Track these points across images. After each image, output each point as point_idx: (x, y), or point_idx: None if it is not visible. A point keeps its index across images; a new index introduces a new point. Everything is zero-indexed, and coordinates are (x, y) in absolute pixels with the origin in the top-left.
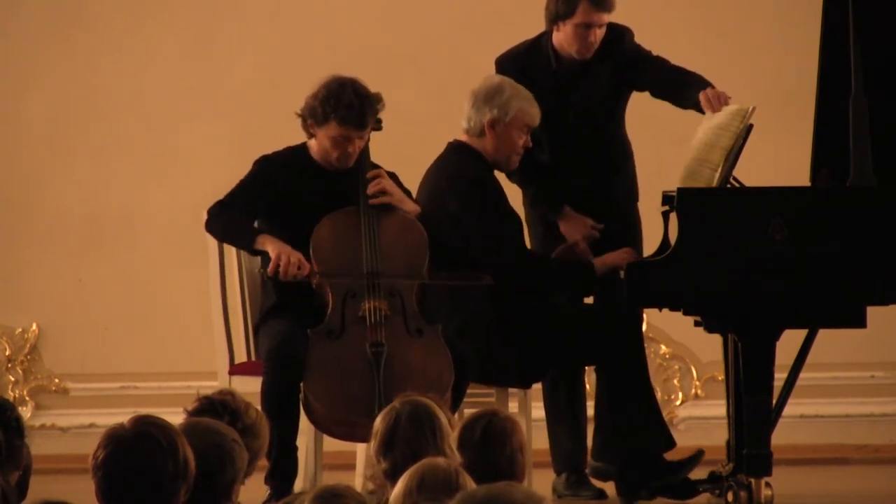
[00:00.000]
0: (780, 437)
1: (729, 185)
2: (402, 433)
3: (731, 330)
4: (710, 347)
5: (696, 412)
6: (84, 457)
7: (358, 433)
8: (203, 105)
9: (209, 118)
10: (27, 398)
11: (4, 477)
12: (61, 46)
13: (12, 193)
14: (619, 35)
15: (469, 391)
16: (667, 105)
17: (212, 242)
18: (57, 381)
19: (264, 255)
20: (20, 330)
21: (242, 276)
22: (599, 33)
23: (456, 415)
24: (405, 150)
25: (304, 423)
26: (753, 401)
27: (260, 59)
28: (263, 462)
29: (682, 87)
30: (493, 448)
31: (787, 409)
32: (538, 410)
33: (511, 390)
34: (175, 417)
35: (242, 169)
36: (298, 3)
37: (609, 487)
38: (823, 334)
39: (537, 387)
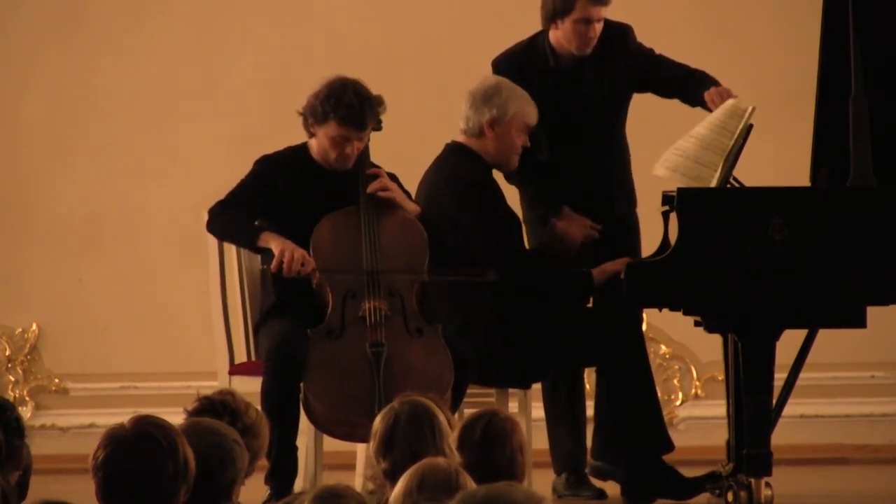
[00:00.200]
0: (780, 437)
1: (729, 185)
2: (401, 433)
3: (731, 330)
4: (710, 347)
5: (696, 412)
6: (84, 457)
7: (358, 433)
8: (203, 105)
9: (209, 118)
10: (27, 398)
11: (4, 477)
12: (61, 46)
13: (12, 193)
14: (621, 34)
15: (469, 391)
16: (666, 105)
17: (212, 242)
18: (57, 381)
19: (265, 253)
20: (20, 330)
21: (242, 276)
22: (598, 28)
23: (456, 415)
24: (405, 151)
25: (304, 423)
26: (753, 401)
27: (260, 59)
28: (263, 462)
29: (690, 86)
30: (493, 448)
31: (787, 409)
32: (538, 410)
33: (511, 390)
34: (175, 417)
35: (242, 169)
36: (298, 3)
37: (609, 487)
38: (823, 334)
39: (537, 387)
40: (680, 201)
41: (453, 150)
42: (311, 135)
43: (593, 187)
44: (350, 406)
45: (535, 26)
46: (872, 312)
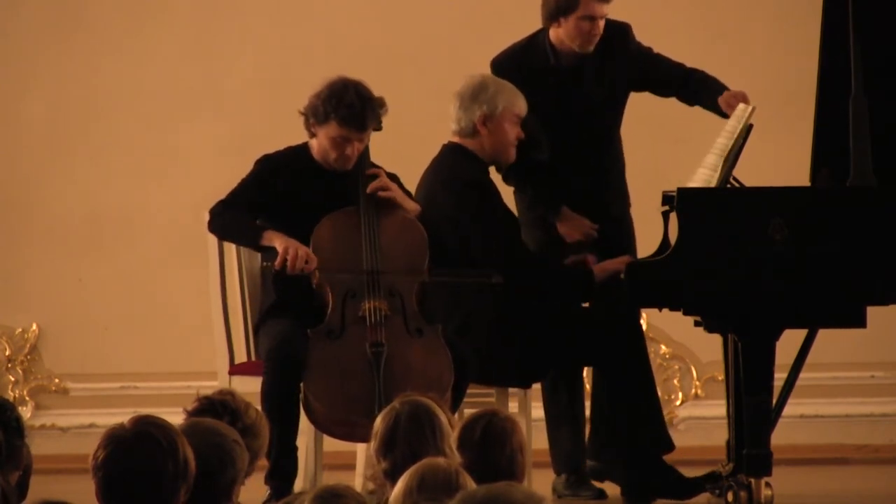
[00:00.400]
0: (780, 437)
1: (729, 185)
2: (402, 433)
3: (731, 330)
4: (710, 347)
5: (696, 412)
6: (84, 457)
7: (358, 433)
8: (203, 105)
9: (209, 118)
10: (27, 398)
11: (4, 477)
12: (61, 46)
13: (12, 193)
14: (621, 32)
15: (469, 391)
16: (665, 104)
17: (212, 242)
18: (57, 381)
19: (267, 251)
20: (20, 330)
21: (242, 276)
22: (601, 25)
23: (456, 415)
24: (405, 151)
25: (304, 423)
26: (753, 401)
27: (260, 59)
28: (263, 462)
29: (689, 85)
30: (493, 448)
31: (787, 409)
32: (538, 410)
33: (511, 390)
34: (175, 417)
35: (242, 169)
36: (298, 3)
37: (609, 487)
38: (823, 334)
39: (537, 387)
40: (680, 201)
41: (450, 150)
42: (312, 135)
43: (592, 187)
44: (350, 406)
45: (535, 26)
46: (872, 312)
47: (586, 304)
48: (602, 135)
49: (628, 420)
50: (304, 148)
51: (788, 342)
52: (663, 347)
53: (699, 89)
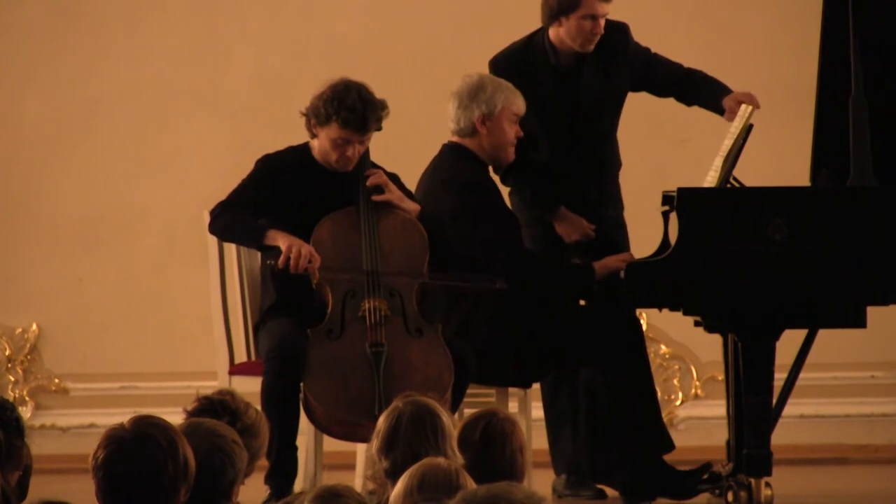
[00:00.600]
0: (780, 437)
1: (729, 185)
2: (404, 433)
3: (731, 330)
4: (710, 347)
5: (696, 412)
6: (84, 457)
7: (358, 433)
8: (203, 105)
9: (209, 118)
10: (27, 398)
11: (4, 477)
12: (61, 46)
13: (12, 193)
14: (621, 32)
15: (469, 391)
16: (666, 104)
17: (212, 242)
18: (57, 381)
19: (269, 250)
20: (20, 330)
21: (242, 276)
22: (602, 24)
23: (456, 415)
24: (405, 151)
25: (304, 423)
26: (753, 401)
27: (260, 59)
28: (263, 462)
29: (689, 86)
30: (493, 448)
31: (787, 409)
32: (538, 410)
33: (511, 390)
34: (175, 417)
35: (242, 169)
36: (298, 3)
37: (609, 487)
38: (823, 334)
39: (537, 387)
40: (680, 201)
41: (450, 150)
42: (314, 135)
43: (590, 187)
44: (350, 406)
45: (535, 26)
46: (872, 312)
47: (582, 303)
48: (600, 135)
49: (628, 420)
50: (305, 148)
51: (788, 342)
52: (663, 347)
53: (698, 89)
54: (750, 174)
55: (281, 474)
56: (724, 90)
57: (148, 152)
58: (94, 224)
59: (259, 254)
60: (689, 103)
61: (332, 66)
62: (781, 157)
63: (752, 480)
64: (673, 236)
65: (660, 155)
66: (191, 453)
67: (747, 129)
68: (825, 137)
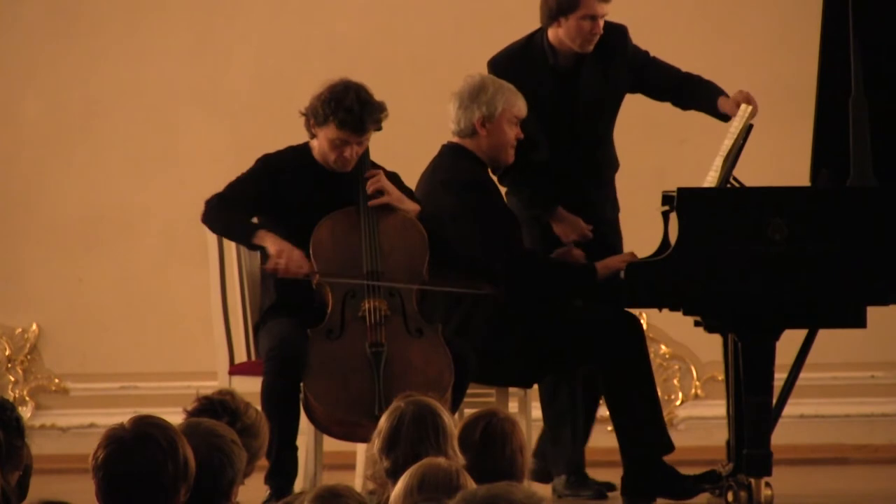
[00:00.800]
0: (780, 437)
1: (729, 185)
2: (405, 432)
3: (731, 330)
4: (710, 347)
5: (696, 412)
6: (84, 457)
7: (358, 433)
8: (203, 105)
9: (209, 118)
10: (27, 398)
11: (4, 477)
12: (60, 46)
13: (12, 193)
14: (620, 33)
15: (469, 391)
16: (666, 105)
17: (212, 242)
18: (57, 381)
19: (257, 249)
20: (20, 330)
21: (242, 276)
22: (601, 25)
23: (456, 415)
24: (405, 151)
25: (304, 423)
26: (753, 401)
27: (260, 59)
28: (263, 462)
29: (685, 90)
30: (493, 448)
31: (787, 409)
32: (538, 410)
33: (511, 390)
34: (175, 417)
35: (242, 169)
36: (298, 3)
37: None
38: (823, 334)
39: (537, 386)
40: (680, 201)
41: (450, 150)
42: (313, 135)
43: (587, 187)
44: (350, 406)
45: (534, 26)
46: (872, 312)
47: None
48: (599, 135)
49: (628, 420)
50: (305, 148)
51: (788, 342)
52: (663, 347)
53: (695, 93)
54: (750, 174)
55: (281, 474)
56: (720, 94)
57: (148, 152)
58: (94, 224)
59: (259, 254)
60: (685, 107)
61: (332, 66)
62: (781, 157)
63: (752, 480)
64: (673, 236)
65: (659, 155)
66: (191, 453)
67: (747, 130)
68: (825, 137)
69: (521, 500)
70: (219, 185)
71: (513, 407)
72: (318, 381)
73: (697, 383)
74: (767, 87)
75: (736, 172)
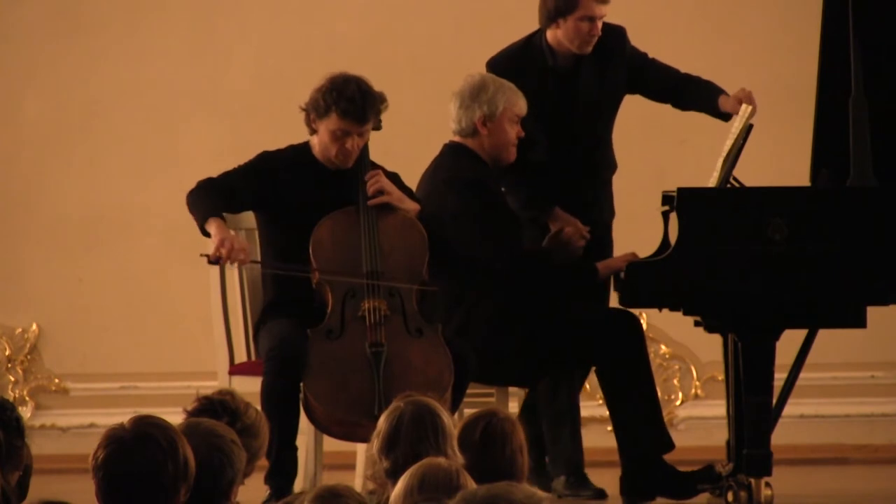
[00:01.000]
0: (780, 437)
1: (729, 185)
2: (405, 432)
3: (731, 330)
4: (710, 347)
5: (696, 412)
6: (84, 457)
7: (358, 433)
8: (202, 105)
9: (209, 118)
10: (27, 398)
11: (4, 477)
12: (61, 46)
13: (12, 193)
14: (618, 35)
15: (469, 391)
16: (666, 105)
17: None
18: (57, 381)
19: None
20: (20, 330)
21: (242, 276)
22: (600, 26)
23: (456, 415)
24: (405, 151)
25: (304, 423)
26: (753, 401)
27: (260, 59)
28: (263, 462)
29: (685, 91)
30: (493, 448)
31: (787, 409)
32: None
33: (511, 390)
34: (175, 417)
35: None
36: (298, 3)
37: (609, 487)
38: (823, 334)
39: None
40: (680, 201)
41: (451, 150)
42: (314, 130)
43: (585, 188)
44: (350, 406)
45: (534, 26)
46: (872, 312)
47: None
48: (598, 136)
49: (628, 420)
50: (306, 147)
51: (788, 342)
52: (663, 347)
53: (695, 94)
54: (750, 174)
55: (281, 474)
56: (720, 93)
57: (148, 152)
58: (94, 224)
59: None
60: (685, 108)
61: (332, 67)
62: (781, 157)
63: (752, 480)
64: (673, 236)
65: (659, 156)
66: (191, 453)
67: (747, 130)
68: (825, 137)
69: (521, 500)
70: None
71: (513, 407)
72: (318, 381)
73: (697, 383)
74: (767, 87)
75: (736, 172)
